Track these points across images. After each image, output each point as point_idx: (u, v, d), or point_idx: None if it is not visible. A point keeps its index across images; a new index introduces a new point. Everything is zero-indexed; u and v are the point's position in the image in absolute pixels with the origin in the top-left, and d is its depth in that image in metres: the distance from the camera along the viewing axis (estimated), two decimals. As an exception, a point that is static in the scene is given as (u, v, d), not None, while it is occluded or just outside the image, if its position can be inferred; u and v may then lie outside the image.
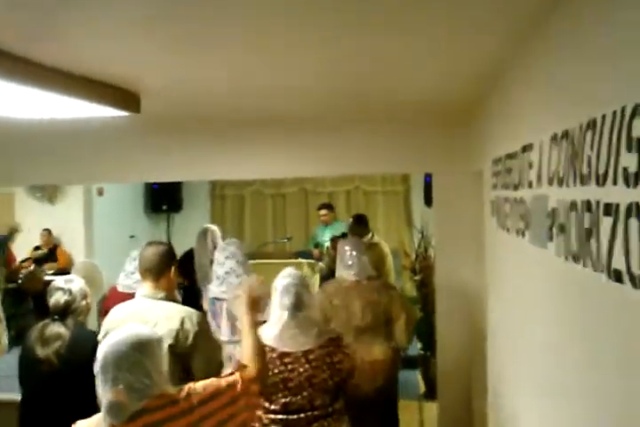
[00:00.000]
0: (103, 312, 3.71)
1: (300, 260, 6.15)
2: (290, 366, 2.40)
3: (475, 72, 2.42)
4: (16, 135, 4.12)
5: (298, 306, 2.46)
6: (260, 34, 1.75)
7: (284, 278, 2.54)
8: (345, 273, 3.57)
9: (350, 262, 3.55)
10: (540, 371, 1.77)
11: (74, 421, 2.59)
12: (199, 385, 1.83)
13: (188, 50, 1.95)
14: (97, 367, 1.71)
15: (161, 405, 1.71)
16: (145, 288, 2.59)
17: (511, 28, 1.75)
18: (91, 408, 2.56)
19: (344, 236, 5.14)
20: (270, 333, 2.47)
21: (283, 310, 2.46)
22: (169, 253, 2.67)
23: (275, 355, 2.41)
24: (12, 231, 6.45)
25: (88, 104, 2.41)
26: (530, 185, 1.82)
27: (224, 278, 3.59)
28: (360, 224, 5.38)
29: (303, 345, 2.42)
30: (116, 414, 1.67)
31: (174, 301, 2.67)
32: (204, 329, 2.53)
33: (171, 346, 2.35)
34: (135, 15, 1.55)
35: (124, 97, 2.60)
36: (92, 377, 2.58)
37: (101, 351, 1.71)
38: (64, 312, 2.67)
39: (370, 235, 5.34)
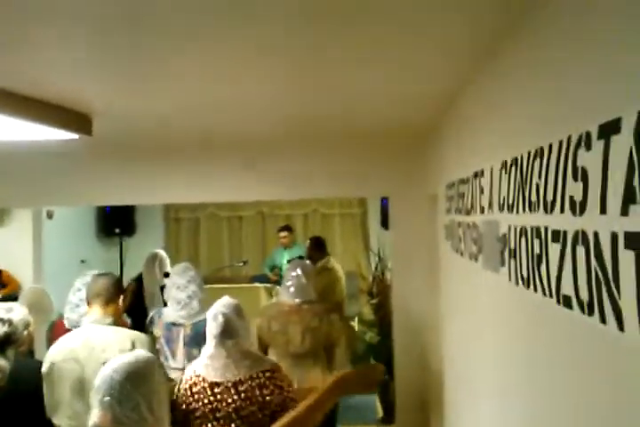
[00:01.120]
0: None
1: (256, 284, 6.08)
2: (219, 397, 2.35)
3: (430, 99, 2.48)
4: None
5: (226, 334, 2.39)
6: (216, 61, 1.75)
7: (215, 307, 2.49)
8: (286, 296, 3.53)
9: (291, 285, 3.51)
10: (496, 392, 1.78)
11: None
12: None
13: (139, 74, 1.93)
14: (93, 386, 1.66)
15: None
16: (93, 314, 2.63)
17: (465, 57, 1.80)
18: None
19: (300, 258, 5.12)
20: (200, 362, 2.43)
21: (211, 338, 2.41)
22: (118, 282, 2.83)
23: (205, 384, 2.36)
24: None
25: (39, 126, 2.36)
26: (482, 210, 1.85)
27: (185, 303, 3.51)
28: (317, 247, 5.38)
29: (233, 376, 2.36)
30: None
31: (122, 326, 2.64)
32: (153, 352, 2.52)
33: None
34: (89, 40, 1.53)
35: (75, 119, 2.55)
36: (36, 408, 2.49)
37: (100, 374, 1.66)
38: (4, 343, 2.55)
39: (326, 259, 5.34)
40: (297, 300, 3.46)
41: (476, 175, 1.95)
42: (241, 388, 2.34)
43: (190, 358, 3.30)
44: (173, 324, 3.47)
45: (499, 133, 1.68)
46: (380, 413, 5.04)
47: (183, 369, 3.33)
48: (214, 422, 2.35)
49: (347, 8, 1.33)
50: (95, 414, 1.63)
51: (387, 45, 1.66)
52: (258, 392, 2.34)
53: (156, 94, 2.29)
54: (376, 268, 5.79)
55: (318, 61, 1.81)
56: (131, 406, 1.61)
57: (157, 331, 3.52)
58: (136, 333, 2.61)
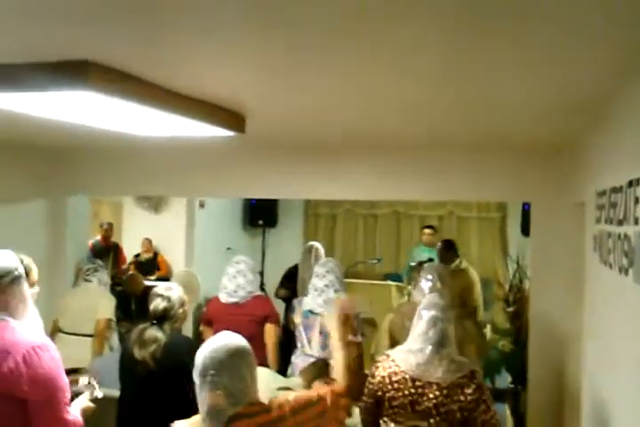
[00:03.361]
0: (205, 320, 3.93)
1: (388, 282, 6.12)
2: (420, 390, 2.39)
3: (578, 103, 2.37)
4: (130, 150, 4.44)
5: (443, 343, 2.42)
6: (363, 61, 1.81)
7: (430, 309, 2.49)
8: (420, 298, 3.52)
9: (425, 289, 3.50)
10: (638, 417, 1.67)
11: (164, 419, 2.73)
12: (291, 396, 1.88)
13: (294, 76, 2.05)
14: (196, 372, 1.79)
15: (255, 412, 1.76)
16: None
17: (620, 58, 1.70)
18: (181, 409, 2.69)
19: (430, 261, 5.08)
20: (410, 360, 2.43)
21: (426, 343, 2.42)
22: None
23: (407, 376, 2.41)
24: None
25: (198, 123, 2.57)
26: (636, 221, 1.74)
27: (322, 291, 3.66)
28: (449, 250, 5.30)
29: (436, 379, 2.38)
30: (216, 418, 1.74)
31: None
32: None
33: None
34: (246, 45, 1.66)
35: (230, 118, 2.75)
36: (184, 380, 2.72)
37: (200, 357, 1.79)
38: (162, 318, 2.82)
39: (458, 261, 5.24)
40: None
41: (630, 184, 1.83)
42: (444, 385, 2.37)
43: (324, 346, 3.43)
44: (311, 311, 3.62)
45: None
46: (511, 423, 4.87)
47: (317, 357, 3.49)
48: (412, 415, 2.39)
49: (504, 8, 1.32)
50: (206, 395, 1.74)
51: (545, 49, 1.62)
52: (460, 391, 2.36)
53: (303, 96, 2.40)
54: (514, 275, 5.57)
55: (469, 64, 1.80)
56: (241, 380, 1.73)
57: (297, 318, 3.69)
58: None
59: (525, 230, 5.71)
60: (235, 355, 1.76)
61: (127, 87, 1.99)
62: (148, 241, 7.11)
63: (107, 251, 6.71)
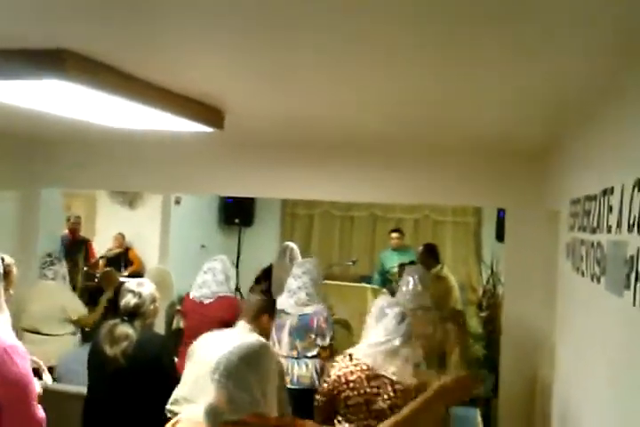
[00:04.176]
0: (182, 314, 3.90)
1: (364, 284, 6.12)
2: (375, 390, 2.40)
3: (557, 110, 2.39)
4: (106, 143, 4.37)
5: (410, 337, 2.46)
6: (345, 59, 1.80)
7: (394, 307, 2.52)
8: (402, 301, 3.54)
9: (407, 291, 3.51)
10: (611, 424, 1.69)
11: (133, 417, 2.69)
12: (305, 423, 1.80)
13: (274, 75, 2.03)
14: (214, 365, 1.75)
15: (256, 423, 1.69)
16: (240, 326, 2.79)
17: (595, 69, 1.72)
18: (150, 406, 2.66)
19: (412, 263, 5.10)
20: (375, 353, 2.44)
21: (395, 334, 2.44)
22: (268, 303, 2.96)
23: (362, 375, 2.41)
24: None
25: (176, 118, 2.54)
26: (609, 230, 1.76)
27: (294, 293, 3.65)
28: (431, 254, 5.32)
29: (395, 374, 2.40)
30: (210, 418, 1.70)
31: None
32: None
33: None
34: (227, 41, 1.63)
35: (210, 114, 2.72)
36: (154, 377, 2.70)
37: (220, 355, 1.75)
38: (133, 314, 2.78)
39: (439, 267, 5.27)
40: (411, 305, 3.47)
41: (605, 192, 1.85)
42: (398, 386, 2.38)
43: (292, 347, 3.42)
44: (284, 311, 3.61)
45: (632, 150, 1.59)
46: (480, 428, 4.90)
47: (286, 357, 3.47)
48: (366, 414, 2.40)
49: (487, 7, 1.31)
50: (213, 394, 1.71)
51: (523, 52, 1.62)
52: (414, 394, 2.35)
53: (285, 95, 2.38)
54: (487, 280, 5.62)
55: (450, 63, 1.79)
56: (244, 387, 1.68)
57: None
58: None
59: (500, 236, 5.76)
60: (246, 361, 1.71)
61: (105, 78, 1.96)
62: (121, 236, 7.01)
63: (76, 245, 6.57)
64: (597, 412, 1.80)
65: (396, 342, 2.42)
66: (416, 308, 3.51)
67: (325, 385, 2.49)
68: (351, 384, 2.41)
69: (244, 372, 1.69)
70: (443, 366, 3.55)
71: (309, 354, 3.57)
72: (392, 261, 6.28)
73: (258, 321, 2.83)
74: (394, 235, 6.56)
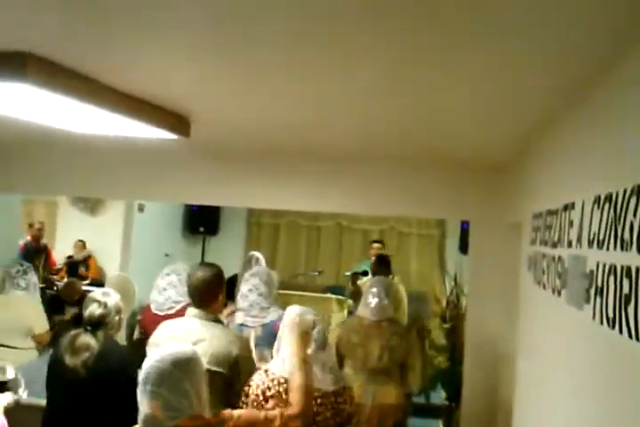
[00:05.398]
0: (142, 331, 3.74)
1: (329, 295, 6.11)
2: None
3: (518, 126, 2.43)
4: (67, 148, 4.28)
5: (323, 345, 2.46)
6: (310, 66, 1.79)
7: (305, 315, 2.52)
8: (365, 312, 3.54)
9: (371, 302, 3.51)
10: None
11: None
12: (236, 413, 1.82)
13: (239, 84, 2.01)
14: (139, 378, 1.73)
15: (198, 425, 1.71)
16: (194, 309, 2.66)
17: (560, 86, 1.76)
18: (110, 418, 2.57)
19: (364, 274, 5.13)
20: (283, 364, 2.43)
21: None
22: (221, 276, 2.74)
23: (282, 389, 2.38)
24: None
25: (140, 124, 2.50)
26: (569, 244, 1.79)
27: (251, 304, 3.58)
28: (382, 265, 5.36)
29: (325, 386, 2.39)
30: None
31: (220, 323, 2.71)
32: (246, 354, 2.61)
33: (217, 370, 2.44)
34: (190, 44, 1.62)
35: (175, 121, 2.68)
36: (115, 389, 2.62)
37: (146, 365, 1.73)
38: (97, 324, 2.70)
39: (390, 276, 5.31)
40: (375, 317, 3.48)
41: (565, 208, 1.89)
42: (317, 393, 2.36)
43: (261, 358, 3.36)
44: (244, 325, 3.54)
45: (593, 167, 1.62)
46: (442, 440, 4.92)
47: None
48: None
49: (450, 23, 1.33)
50: (145, 403, 1.69)
51: (482, 68, 1.65)
52: (333, 399, 2.38)
53: (250, 106, 2.37)
54: (451, 292, 5.66)
55: (411, 77, 1.81)
56: (180, 392, 1.68)
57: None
58: (234, 333, 2.71)
59: (464, 248, 5.84)
60: (179, 367, 1.70)
61: (66, 82, 1.91)
62: (82, 243, 6.86)
63: (37, 252, 6.41)
64: (560, 423, 1.82)
65: (309, 351, 2.42)
66: (381, 319, 3.51)
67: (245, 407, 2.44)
68: (270, 401, 2.37)
69: (178, 377, 1.69)
70: (404, 377, 3.56)
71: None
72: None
73: (215, 300, 2.66)
74: (375, 245, 6.57)
